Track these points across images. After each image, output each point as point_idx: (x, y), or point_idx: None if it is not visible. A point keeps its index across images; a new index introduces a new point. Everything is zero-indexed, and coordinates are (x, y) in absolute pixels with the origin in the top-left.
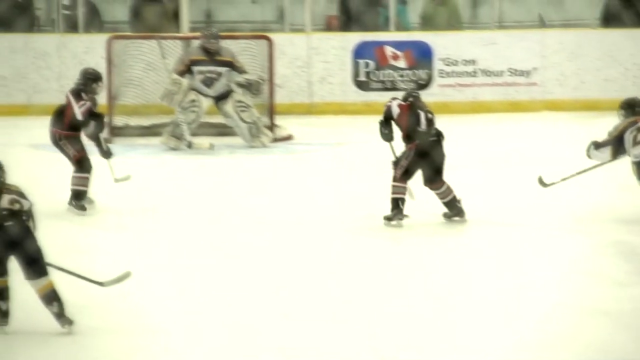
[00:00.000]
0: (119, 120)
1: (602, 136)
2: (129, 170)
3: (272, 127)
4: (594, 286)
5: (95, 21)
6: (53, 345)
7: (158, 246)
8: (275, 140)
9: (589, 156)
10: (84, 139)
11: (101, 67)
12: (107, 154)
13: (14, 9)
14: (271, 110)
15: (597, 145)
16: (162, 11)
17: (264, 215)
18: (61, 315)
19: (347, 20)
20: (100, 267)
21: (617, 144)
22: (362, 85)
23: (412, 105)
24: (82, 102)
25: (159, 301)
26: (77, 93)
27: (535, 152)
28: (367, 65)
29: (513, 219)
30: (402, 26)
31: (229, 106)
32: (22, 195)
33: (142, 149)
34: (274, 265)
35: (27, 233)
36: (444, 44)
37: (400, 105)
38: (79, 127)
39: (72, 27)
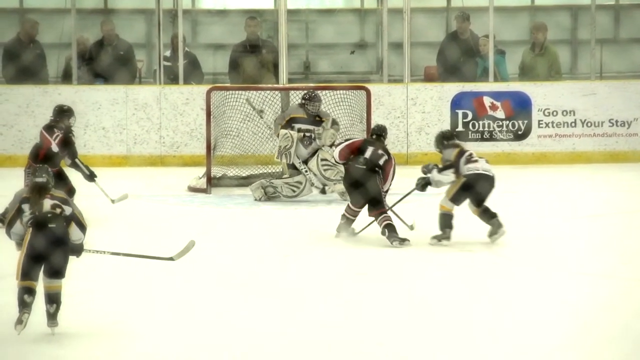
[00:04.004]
0: (217, 171)
1: None
2: (226, 218)
3: None
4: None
5: (195, 72)
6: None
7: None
8: None
9: None
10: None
11: (200, 118)
12: (90, 177)
13: (115, 61)
14: None
15: None
16: (261, 62)
17: (360, 264)
18: (54, 317)
19: (445, 71)
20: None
21: None
22: (459, 136)
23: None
24: (55, 135)
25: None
26: (49, 128)
27: (630, 202)
28: (465, 115)
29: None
30: (501, 77)
31: (313, 164)
32: (65, 201)
33: (239, 199)
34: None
35: (66, 236)
36: (543, 94)
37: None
38: (53, 158)
39: (172, 78)
